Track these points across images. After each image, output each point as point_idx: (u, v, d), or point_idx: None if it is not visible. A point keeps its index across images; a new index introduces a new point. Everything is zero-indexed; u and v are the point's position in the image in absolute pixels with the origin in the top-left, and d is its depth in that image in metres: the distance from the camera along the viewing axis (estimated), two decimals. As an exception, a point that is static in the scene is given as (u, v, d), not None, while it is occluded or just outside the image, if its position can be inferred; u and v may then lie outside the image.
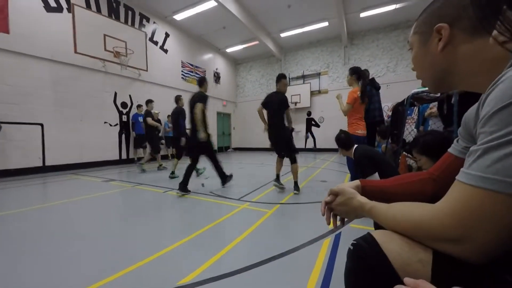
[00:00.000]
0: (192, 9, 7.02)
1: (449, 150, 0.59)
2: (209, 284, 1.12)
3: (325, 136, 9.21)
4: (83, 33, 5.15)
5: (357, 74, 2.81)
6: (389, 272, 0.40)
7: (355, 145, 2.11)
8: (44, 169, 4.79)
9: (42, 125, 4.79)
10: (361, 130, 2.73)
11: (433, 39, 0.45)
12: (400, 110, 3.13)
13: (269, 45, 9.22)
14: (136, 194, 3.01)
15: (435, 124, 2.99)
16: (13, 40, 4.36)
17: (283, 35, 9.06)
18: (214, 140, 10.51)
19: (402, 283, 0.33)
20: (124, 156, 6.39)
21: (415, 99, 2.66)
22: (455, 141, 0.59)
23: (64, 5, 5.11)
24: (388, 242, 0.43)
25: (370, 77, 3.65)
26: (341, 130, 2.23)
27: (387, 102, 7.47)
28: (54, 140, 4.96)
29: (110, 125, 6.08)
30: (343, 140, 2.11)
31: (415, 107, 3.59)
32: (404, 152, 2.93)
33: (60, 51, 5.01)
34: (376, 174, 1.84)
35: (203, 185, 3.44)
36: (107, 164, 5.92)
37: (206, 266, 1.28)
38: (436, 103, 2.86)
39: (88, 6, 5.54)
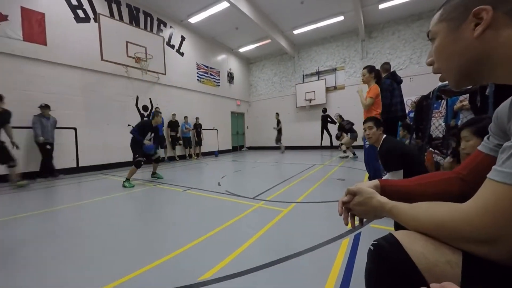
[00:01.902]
0: (206, 11, 7.18)
1: (479, 148, 0.55)
2: (228, 281, 1.16)
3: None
4: (108, 41, 5.53)
5: (375, 72, 2.75)
6: (413, 273, 0.39)
7: (384, 135, 1.94)
8: (78, 170, 5.23)
9: (75, 129, 5.24)
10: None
11: (467, 25, 0.41)
12: (424, 104, 2.93)
13: (282, 43, 9.11)
14: (158, 192, 3.17)
15: (467, 118, 2.77)
16: (50, 51, 4.82)
17: (296, 32, 8.90)
18: (229, 139, 10.71)
19: (427, 285, 0.32)
20: (145, 156, 6.75)
21: (442, 92, 2.48)
22: (485, 138, 0.54)
23: (91, 15, 5.51)
24: (412, 243, 0.41)
25: (391, 70, 3.48)
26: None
27: (411, 95, 6.99)
28: (85, 143, 5.39)
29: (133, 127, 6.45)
30: (388, 122, 1.93)
31: (443, 100, 3.34)
32: (430, 148, 2.75)
33: (88, 59, 5.42)
34: (401, 171, 1.71)
35: (219, 184, 3.52)
36: (131, 164, 6.28)
37: (225, 263, 1.32)
38: (467, 95, 2.64)
39: (112, 15, 5.92)
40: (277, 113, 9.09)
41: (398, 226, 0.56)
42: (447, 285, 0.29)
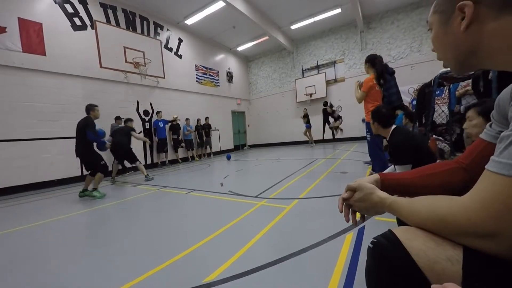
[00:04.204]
0: (202, 12, 7.15)
1: (481, 135, 0.53)
2: (232, 281, 1.16)
3: (344, 125, 8.83)
4: (105, 47, 5.56)
5: (371, 62, 2.78)
6: (413, 271, 0.38)
7: (394, 125, 1.79)
8: (82, 178, 5.28)
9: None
10: None
11: (455, 18, 0.41)
12: (426, 91, 2.88)
13: (280, 39, 9.04)
14: (162, 196, 3.20)
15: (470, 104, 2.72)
16: (50, 61, 4.86)
17: (293, 27, 8.81)
18: (230, 139, 10.61)
19: (428, 282, 0.30)
20: (149, 161, 6.80)
21: (443, 79, 2.44)
22: (487, 125, 0.52)
23: (88, 22, 5.53)
24: (411, 239, 0.40)
25: (384, 62, 3.44)
26: (380, 105, 1.90)
27: (412, 83, 6.91)
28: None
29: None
30: (383, 114, 1.74)
31: (445, 87, 3.28)
32: (434, 136, 2.71)
33: (88, 67, 5.46)
34: (410, 166, 1.57)
35: (222, 184, 3.53)
36: (135, 169, 6.35)
37: (229, 264, 1.32)
38: (469, 80, 2.59)
39: (108, 21, 5.94)
40: (198, 119, 8.36)
41: (401, 222, 0.55)
42: (449, 286, 0.28)
